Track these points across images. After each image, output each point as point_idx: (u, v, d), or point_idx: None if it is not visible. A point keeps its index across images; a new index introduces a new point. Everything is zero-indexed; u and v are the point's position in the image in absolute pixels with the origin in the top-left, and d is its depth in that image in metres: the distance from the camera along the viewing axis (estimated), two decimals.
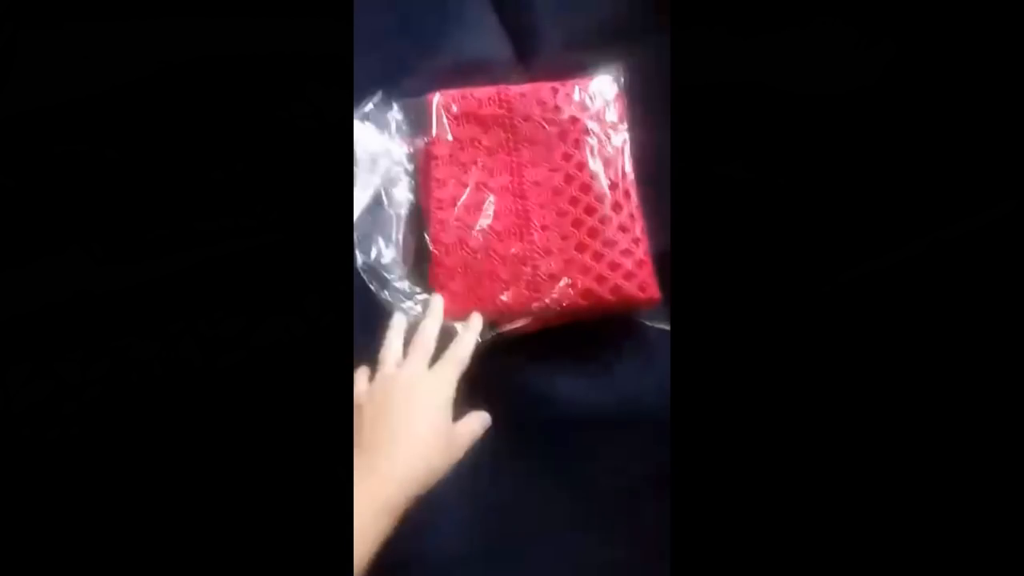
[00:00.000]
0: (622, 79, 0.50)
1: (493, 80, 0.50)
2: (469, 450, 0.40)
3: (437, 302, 0.45)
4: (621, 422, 0.46)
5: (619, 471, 0.46)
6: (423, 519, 0.38)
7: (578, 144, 0.47)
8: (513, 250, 0.46)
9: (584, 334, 0.48)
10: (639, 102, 0.49)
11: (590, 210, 0.47)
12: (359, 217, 0.46)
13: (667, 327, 0.47)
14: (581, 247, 0.46)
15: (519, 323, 0.46)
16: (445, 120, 0.48)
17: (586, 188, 0.47)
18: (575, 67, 0.50)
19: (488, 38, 0.53)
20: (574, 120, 0.47)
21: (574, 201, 0.47)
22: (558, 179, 0.47)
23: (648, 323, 0.48)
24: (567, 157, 0.47)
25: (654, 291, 0.46)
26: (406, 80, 0.50)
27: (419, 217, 0.48)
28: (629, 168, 0.48)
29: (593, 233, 0.46)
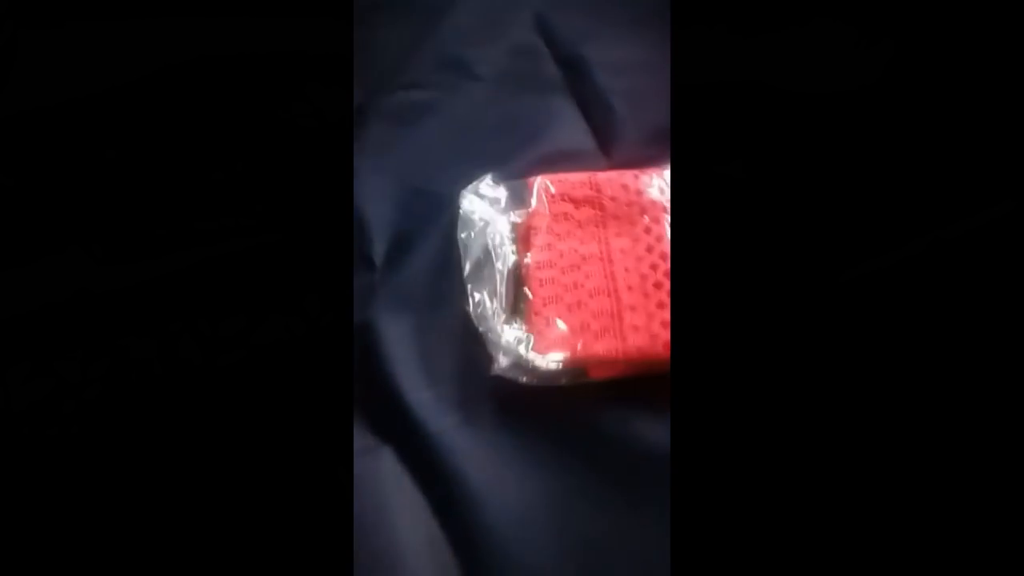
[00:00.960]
0: None
1: (580, 167, 0.60)
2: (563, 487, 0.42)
3: None
4: None
5: None
6: (514, 552, 0.40)
7: (657, 220, 0.55)
8: (603, 306, 0.52)
9: (666, 382, 0.51)
10: None
11: (668, 274, 0.53)
12: (471, 271, 0.54)
13: None
14: (661, 305, 0.52)
15: (609, 370, 0.51)
16: (544, 198, 0.56)
17: (664, 256, 0.54)
18: (648, 159, 0.59)
19: (576, 135, 0.64)
20: (653, 201, 0.56)
21: (654, 267, 0.54)
22: (640, 248, 0.55)
23: None
24: (648, 230, 0.55)
25: None
26: (512, 165, 0.61)
27: (519, 276, 0.55)
28: None
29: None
